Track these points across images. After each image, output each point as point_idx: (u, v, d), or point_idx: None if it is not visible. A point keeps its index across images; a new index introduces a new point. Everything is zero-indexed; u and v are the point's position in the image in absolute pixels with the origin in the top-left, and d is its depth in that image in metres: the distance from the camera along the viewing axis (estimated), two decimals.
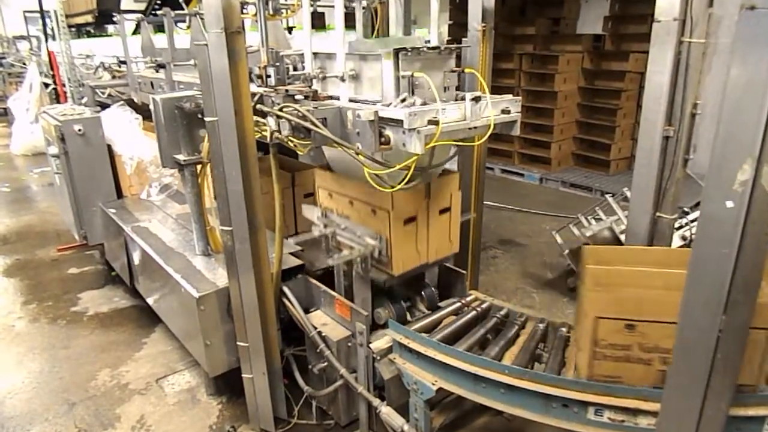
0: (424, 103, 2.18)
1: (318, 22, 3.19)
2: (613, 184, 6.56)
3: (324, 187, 2.88)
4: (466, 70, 2.44)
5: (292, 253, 3.09)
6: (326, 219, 2.85)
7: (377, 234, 2.57)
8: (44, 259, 5.24)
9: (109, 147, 4.13)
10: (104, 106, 4.46)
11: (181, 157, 2.89)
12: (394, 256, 2.55)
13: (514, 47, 7.53)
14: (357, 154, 2.22)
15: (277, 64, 2.58)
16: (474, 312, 2.73)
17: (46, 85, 9.30)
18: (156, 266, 3.11)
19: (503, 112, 2.39)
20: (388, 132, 2.17)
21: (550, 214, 6.11)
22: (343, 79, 2.40)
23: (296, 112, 2.22)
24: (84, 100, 4.68)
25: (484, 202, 6.17)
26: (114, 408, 3.14)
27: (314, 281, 2.95)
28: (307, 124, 2.18)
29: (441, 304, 3.00)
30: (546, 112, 7.34)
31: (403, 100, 2.16)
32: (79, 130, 3.89)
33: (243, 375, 2.77)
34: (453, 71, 2.46)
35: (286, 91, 2.51)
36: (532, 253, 5.19)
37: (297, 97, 2.52)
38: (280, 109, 2.29)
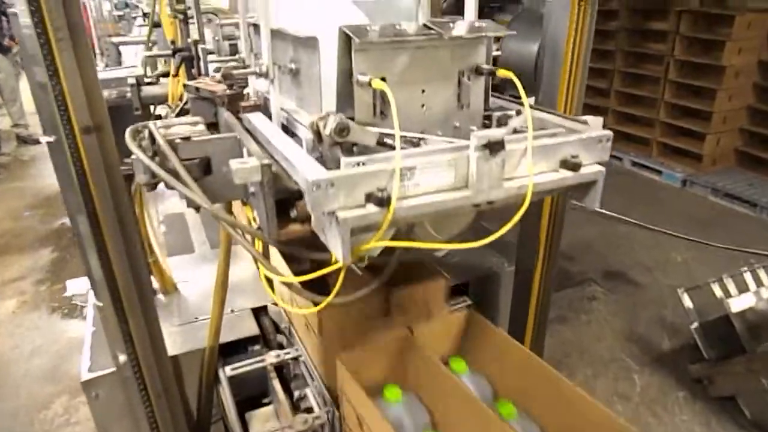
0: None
1: None
2: None
3: None
4: (500, 73, 1.24)
5: (258, 313, 2.17)
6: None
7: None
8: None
9: None
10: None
11: None
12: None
13: (673, 0, 5.64)
14: (250, 243, 1.18)
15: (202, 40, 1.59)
16: None
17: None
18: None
19: (565, 165, 1.17)
20: (307, 200, 1.10)
21: (688, 239, 4.50)
22: (268, 77, 1.33)
23: (157, 142, 1.22)
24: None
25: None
26: None
27: (271, 363, 2.00)
28: (160, 173, 1.17)
29: None
30: (705, 93, 5.47)
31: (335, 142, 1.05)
32: None
33: None
34: (479, 73, 1.27)
35: (197, 90, 1.51)
36: (648, 299, 3.76)
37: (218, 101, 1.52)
38: (149, 137, 1.30)
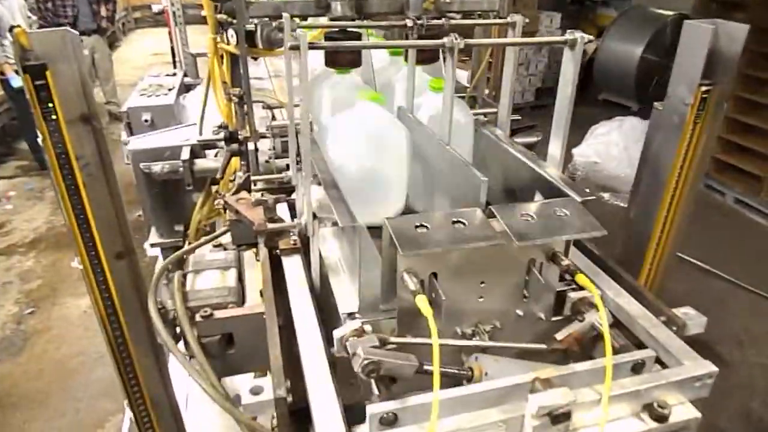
0: None
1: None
2: None
3: None
4: (578, 280, 0.98)
5: None
6: None
7: None
8: None
9: None
10: None
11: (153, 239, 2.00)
12: None
13: None
14: None
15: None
16: None
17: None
18: None
19: (649, 412, 0.93)
20: None
21: None
22: (306, 232, 1.17)
23: (177, 318, 1.10)
24: None
25: (682, 256, 4.19)
26: None
27: None
28: (174, 350, 1.05)
29: None
30: None
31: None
32: (146, 120, 3.24)
33: None
34: (554, 261, 1.04)
35: (237, 212, 1.39)
36: (735, 383, 3.34)
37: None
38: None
